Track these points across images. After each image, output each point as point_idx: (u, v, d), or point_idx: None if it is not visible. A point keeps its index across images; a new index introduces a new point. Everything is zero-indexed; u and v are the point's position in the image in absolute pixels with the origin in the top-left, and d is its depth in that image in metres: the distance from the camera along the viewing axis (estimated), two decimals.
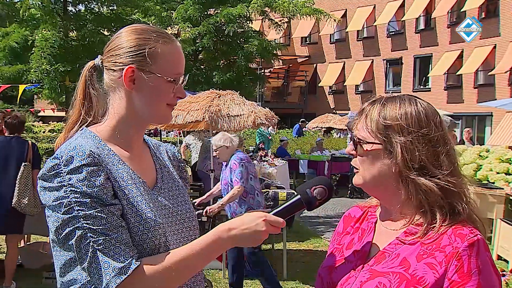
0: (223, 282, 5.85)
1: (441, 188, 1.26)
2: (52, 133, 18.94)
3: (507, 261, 6.26)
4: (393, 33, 27.04)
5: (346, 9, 28.21)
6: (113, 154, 1.40)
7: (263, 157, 10.98)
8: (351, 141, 1.37)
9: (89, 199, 1.27)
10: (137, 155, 1.47)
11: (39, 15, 11.41)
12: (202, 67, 15.01)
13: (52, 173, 1.30)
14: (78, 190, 1.27)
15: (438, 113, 1.33)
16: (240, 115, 6.96)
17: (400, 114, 1.29)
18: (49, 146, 12.05)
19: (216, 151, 5.35)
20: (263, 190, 6.27)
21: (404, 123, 1.28)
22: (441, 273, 1.20)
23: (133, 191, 1.37)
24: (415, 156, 1.27)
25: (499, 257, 6.49)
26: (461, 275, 1.19)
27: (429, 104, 1.34)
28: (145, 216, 1.35)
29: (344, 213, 1.57)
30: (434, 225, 1.26)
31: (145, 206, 1.36)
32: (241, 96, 7.63)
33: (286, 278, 5.97)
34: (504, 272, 5.30)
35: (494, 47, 22.18)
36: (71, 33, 12.32)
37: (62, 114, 19.36)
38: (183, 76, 1.45)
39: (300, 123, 19.67)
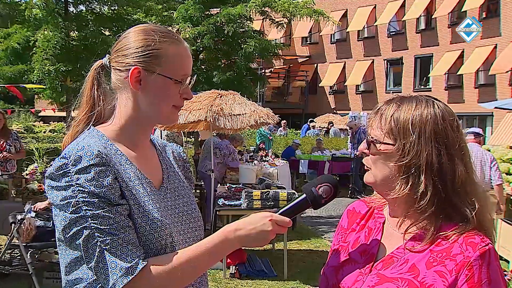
0: (223, 282, 5.86)
1: (452, 194, 1.25)
2: (53, 133, 18.90)
3: (507, 261, 6.26)
4: (393, 33, 27.04)
5: (346, 9, 28.23)
6: (120, 154, 1.40)
7: (263, 157, 10.98)
8: (365, 140, 1.35)
9: (97, 199, 1.27)
10: (144, 155, 1.47)
11: (40, 15, 11.40)
12: (203, 67, 14.97)
13: (60, 172, 1.30)
14: (86, 190, 1.27)
15: (455, 116, 1.31)
16: (242, 114, 6.96)
17: (414, 115, 1.27)
18: (49, 146, 12.01)
19: None
20: (263, 190, 6.26)
21: (417, 124, 1.26)
22: (450, 282, 1.19)
23: (140, 191, 1.37)
24: (427, 158, 1.25)
25: (500, 257, 6.49)
26: (472, 285, 1.18)
27: (447, 106, 1.32)
28: (152, 216, 1.35)
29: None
30: (444, 232, 1.25)
31: (152, 206, 1.37)
32: (242, 96, 7.63)
33: (286, 278, 5.97)
34: (505, 272, 5.31)
35: (495, 47, 22.17)
36: (72, 33, 12.31)
37: (63, 114, 19.35)
38: (190, 77, 1.45)
39: (308, 123, 19.63)
